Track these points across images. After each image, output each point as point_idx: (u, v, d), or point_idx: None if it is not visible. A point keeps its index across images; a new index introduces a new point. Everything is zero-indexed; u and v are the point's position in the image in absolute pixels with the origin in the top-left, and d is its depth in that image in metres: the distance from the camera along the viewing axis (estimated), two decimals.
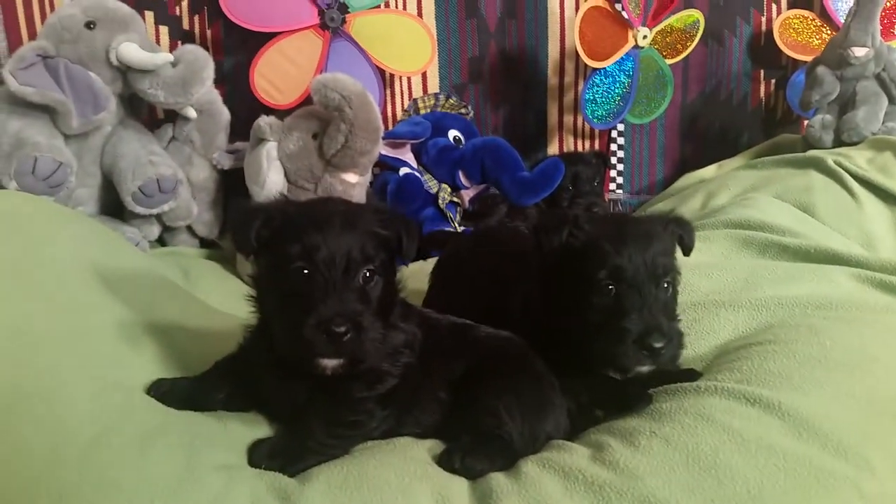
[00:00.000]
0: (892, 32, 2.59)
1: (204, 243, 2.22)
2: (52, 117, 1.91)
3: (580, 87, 2.59)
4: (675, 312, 1.21)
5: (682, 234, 1.27)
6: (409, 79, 2.54)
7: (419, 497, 0.97)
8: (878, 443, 1.05)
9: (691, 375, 1.23)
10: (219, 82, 2.15)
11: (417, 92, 2.55)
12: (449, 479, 1.03)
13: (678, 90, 2.64)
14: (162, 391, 1.10)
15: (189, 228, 2.18)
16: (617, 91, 2.49)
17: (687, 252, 1.28)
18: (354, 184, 2.02)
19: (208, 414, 1.11)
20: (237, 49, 2.36)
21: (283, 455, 1.04)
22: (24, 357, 1.04)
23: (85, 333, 1.14)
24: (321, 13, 2.28)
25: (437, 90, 2.55)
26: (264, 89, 2.28)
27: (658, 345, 1.11)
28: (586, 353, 1.17)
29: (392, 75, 2.49)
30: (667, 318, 1.15)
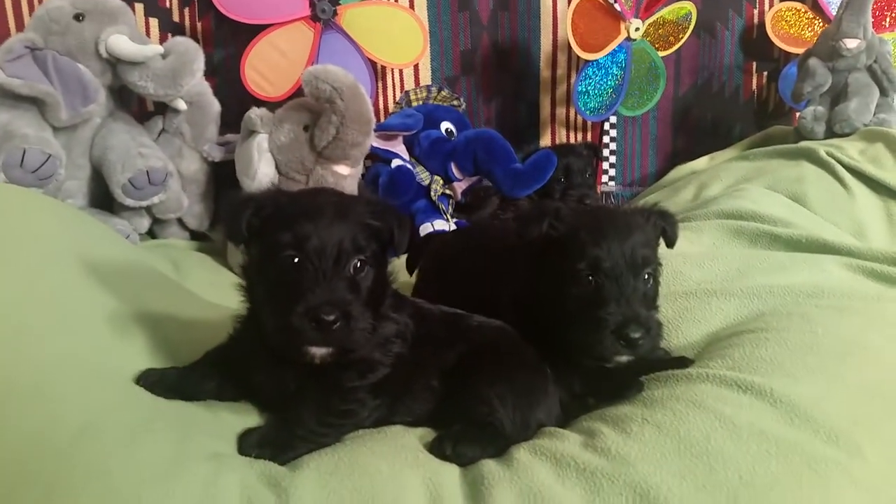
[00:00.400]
0: (884, 25, 2.60)
1: (194, 235, 2.21)
2: (40, 109, 1.90)
3: (573, 80, 2.59)
4: (655, 303, 1.22)
5: (665, 226, 1.28)
6: (400, 71, 2.53)
7: (410, 483, 0.97)
8: (869, 429, 1.05)
9: (683, 363, 1.24)
10: (209, 74, 2.14)
11: (409, 84, 2.54)
12: (440, 466, 1.02)
13: (670, 82, 2.64)
14: (151, 381, 1.10)
15: (179, 221, 2.17)
16: (609, 83, 2.49)
17: (670, 244, 1.29)
18: (346, 176, 2.01)
19: (198, 403, 1.11)
20: (228, 41, 2.35)
21: (273, 443, 1.04)
22: (13, 348, 1.03)
23: (74, 324, 1.13)
24: (312, 5, 2.28)
25: (430, 82, 2.54)
26: (255, 81, 2.27)
27: (636, 335, 1.12)
28: (567, 343, 1.18)
29: (384, 68, 2.48)
30: (646, 309, 1.16)
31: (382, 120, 2.40)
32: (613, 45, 2.43)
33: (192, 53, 2.00)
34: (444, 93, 2.47)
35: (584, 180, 2.44)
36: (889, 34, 2.56)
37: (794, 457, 0.98)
